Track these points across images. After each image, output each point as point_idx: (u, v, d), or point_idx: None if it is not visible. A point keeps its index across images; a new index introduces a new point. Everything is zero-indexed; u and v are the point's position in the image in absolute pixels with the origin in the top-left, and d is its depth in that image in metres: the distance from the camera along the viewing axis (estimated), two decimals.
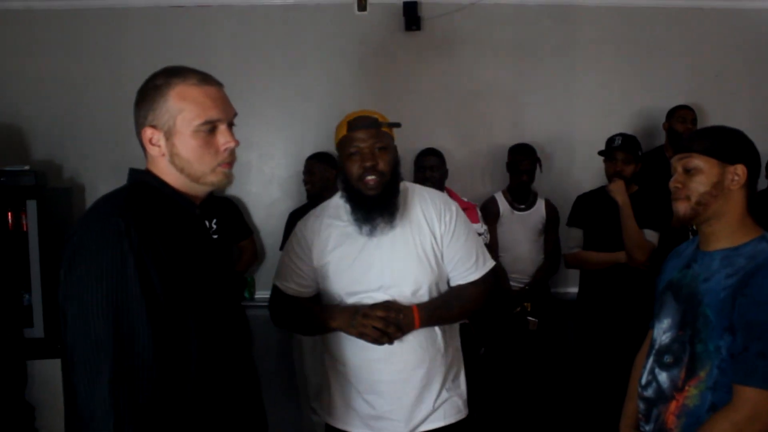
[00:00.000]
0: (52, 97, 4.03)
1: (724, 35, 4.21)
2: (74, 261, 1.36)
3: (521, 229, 3.80)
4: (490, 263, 2.19)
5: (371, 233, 2.03)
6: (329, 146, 3.88)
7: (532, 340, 3.68)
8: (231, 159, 1.53)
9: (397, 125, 2.10)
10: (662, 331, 1.86)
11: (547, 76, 4.15)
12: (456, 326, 2.23)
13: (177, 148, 1.48)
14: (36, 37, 4.08)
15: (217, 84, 1.54)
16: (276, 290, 2.21)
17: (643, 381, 1.89)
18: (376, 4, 4.10)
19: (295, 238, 2.17)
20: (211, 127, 1.49)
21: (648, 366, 1.89)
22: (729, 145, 1.74)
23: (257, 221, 4.13)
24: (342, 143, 2.07)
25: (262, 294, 4.03)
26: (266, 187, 4.16)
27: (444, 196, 2.22)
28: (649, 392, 1.86)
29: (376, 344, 1.99)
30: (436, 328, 2.11)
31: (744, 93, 4.20)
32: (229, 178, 1.55)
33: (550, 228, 3.84)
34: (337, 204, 2.13)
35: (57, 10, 4.06)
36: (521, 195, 3.84)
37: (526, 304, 3.68)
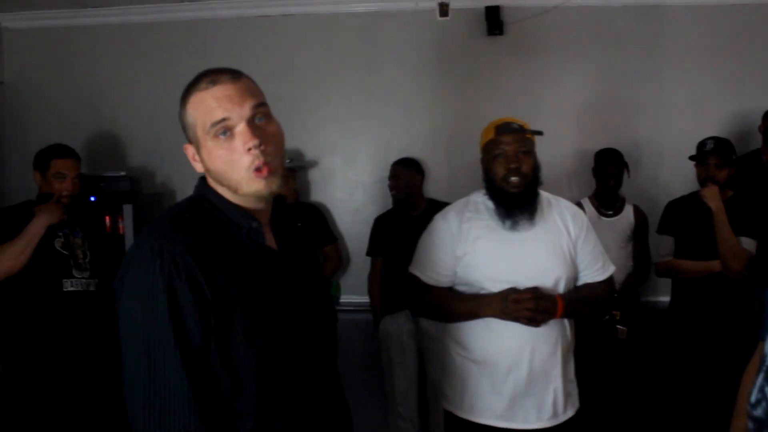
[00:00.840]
0: (146, 106, 4.21)
1: None
2: (121, 281, 1.32)
3: (609, 235, 3.70)
4: (612, 268, 2.38)
5: (513, 228, 2.20)
6: (414, 151, 3.97)
7: (621, 349, 3.61)
8: (261, 162, 1.34)
9: (539, 133, 2.26)
10: None
11: (634, 78, 4.06)
12: (573, 325, 2.33)
13: (206, 161, 1.38)
14: (131, 50, 4.28)
15: (229, 80, 1.37)
16: (415, 279, 2.34)
17: (753, 399, 1.83)
18: (458, 9, 4.10)
19: (436, 230, 2.31)
20: (223, 129, 1.34)
21: (758, 383, 1.83)
22: None
23: (342, 227, 4.19)
24: (488, 146, 2.25)
25: (348, 299, 4.12)
26: (351, 192, 4.22)
27: (571, 203, 2.40)
28: (759, 412, 1.80)
29: (530, 326, 2.13)
30: (566, 321, 2.25)
31: None
32: (268, 186, 1.36)
33: (639, 235, 3.75)
34: (477, 201, 2.31)
35: (150, 23, 4.25)
36: (608, 201, 3.77)
37: (615, 312, 3.60)
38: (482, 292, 2.21)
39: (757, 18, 4.03)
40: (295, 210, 3.77)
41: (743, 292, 3.23)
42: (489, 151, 2.25)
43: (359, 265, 4.09)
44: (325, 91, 4.16)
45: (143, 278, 1.26)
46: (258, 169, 1.33)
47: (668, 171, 4.03)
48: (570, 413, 2.26)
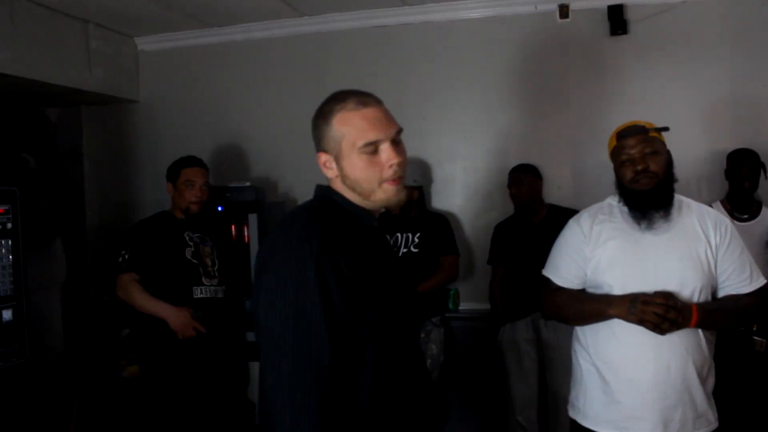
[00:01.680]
0: (269, 119, 4.36)
1: None
2: (263, 269, 1.50)
3: (744, 241, 3.49)
4: (763, 280, 2.21)
5: (649, 227, 2.13)
6: (533, 158, 3.90)
7: (759, 361, 3.39)
8: (397, 175, 1.57)
9: (665, 129, 2.20)
10: None
11: None
12: (714, 337, 2.21)
13: (346, 170, 1.57)
14: (254, 65, 4.45)
15: (375, 104, 1.59)
16: (546, 281, 2.34)
17: None
18: (579, 10, 4.00)
19: (570, 231, 2.30)
20: (373, 148, 1.55)
21: None
22: None
23: (462, 233, 4.15)
24: (614, 153, 2.22)
25: (468, 306, 4.09)
26: (471, 199, 4.18)
27: (716, 211, 2.30)
28: None
29: (655, 332, 2.03)
30: (700, 333, 2.13)
31: None
32: (398, 195, 1.59)
33: None
34: (610, 204, 2.26)
35: (271, 38, 4.41)
36: (743, 204, 3.56)
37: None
38: (620, 294, 2.14)
39: None
40: (419, 220, 3.78)
41: None
42: (616, 159, 2.21)
43: (479, 272, 4.05)
44: (444, 97, 4.16)
45: (293, 260, 1.43)
46: (394, 180, 1.57)
47: None
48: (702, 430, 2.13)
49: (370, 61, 4.21)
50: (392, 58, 4.22)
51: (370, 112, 1.57)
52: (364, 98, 1.59)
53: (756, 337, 3.39)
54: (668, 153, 2.19)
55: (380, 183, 1.57)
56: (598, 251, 2.19)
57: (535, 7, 4.05)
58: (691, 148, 3.82)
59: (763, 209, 3.58)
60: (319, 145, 1.61)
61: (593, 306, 2.18)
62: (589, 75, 4.00)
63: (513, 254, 3.69)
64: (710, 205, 3.53)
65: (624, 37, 3.94)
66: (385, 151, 1.56)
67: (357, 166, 1.56)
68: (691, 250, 2.12)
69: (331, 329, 1.41)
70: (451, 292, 4.01)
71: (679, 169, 3.77)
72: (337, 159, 1.58)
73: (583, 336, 2.25)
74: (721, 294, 2.18)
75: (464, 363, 4.00)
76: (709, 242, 2.14)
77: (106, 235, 4.65)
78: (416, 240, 3.71)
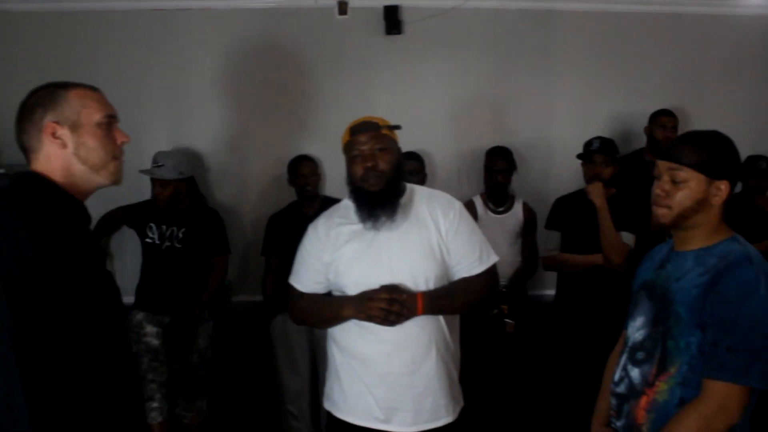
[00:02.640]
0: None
1: (701, 41, 4.25)
2: None
3: (499, 231, 3.80)
4: (494, 258, 2.31)
5: (374, 227, 2.17)
6: (311, 150, 3.93)
7: (509, 342, 3.69)
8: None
9: (397, 127, 2.26)
10: (635, 329, 1.91)
11: (526, 80, 4.17)
12: (457, 322, 2.32)
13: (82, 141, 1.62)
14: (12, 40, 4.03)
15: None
16: (291, 288, 2.37)
17: (616, 377, 1.93)
18: (357, 8, 4.09)
19: (307, 238, 2.33)
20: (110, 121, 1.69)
21: (621, 363, 1.93)
22: (719, 160, 1.77)
23: (239, 225, 4.10)
24: (346, 148, 2.24)
25: (241, 299, 4.07)
26: (245, 191, 4.13)
27: (448, 195, 2.34)
28: (621, 388, 1.89)
29: (384, 325, 2.09)
30: (442, 321, 2.20)
31: (720, 98, 4.25)
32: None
33: (527, 231, 3.86)
34: (346, 205, 2.29)
35: (33, 12, 4.02)
36: (498, 197, 3.86)
37: (503, 306, 3.68)
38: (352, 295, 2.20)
39: (642, 25, 4.21)
40: (188, 214, 3.67)
41: (623, 284, 3.35)
42: (347, 153, 2.23)
43: (253, 264, 4.04)
44: (222, 88, 4.07)
45: None
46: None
47: (557, 169, 4.15)
48: (452, 417, 2.24)
49: (142, 44, 4.00)
50: (170, 44, 4.04)
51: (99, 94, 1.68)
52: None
53: (507, 320, 3.69)
54: (399, 151, 2.25)
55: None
56: (336, 255, 2.22)
57: (315, 2, 4.08)
58: (455, 144, 4.11)
59: (516, 203, 3.90)
60: (45, 117, 1.60)
61: (330, 309, 2.23)
62: (365, 72, 4.10)
63: (286, 246, 3.68)
64: (471, 199, 3.83)
65: (398, 37, 4.08)
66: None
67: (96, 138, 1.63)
68: (423, 241, 2.18)
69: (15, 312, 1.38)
70: (226, 283, 3.95)
71: (442, 165, 4.10)
72: (66, 129, 1.61)
73: (334, 331, 2.28)
74: (455, 278, 2.24)
75: (235, 356, 3.97)
76: (439, 230, 2.20)
77: None
78: (180, 235, 3.61)
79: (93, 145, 1.62)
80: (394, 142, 2.24)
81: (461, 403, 2.32)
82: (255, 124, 4.11)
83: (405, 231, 2.18)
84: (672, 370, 1.75)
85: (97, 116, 1.63)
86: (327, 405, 2.34)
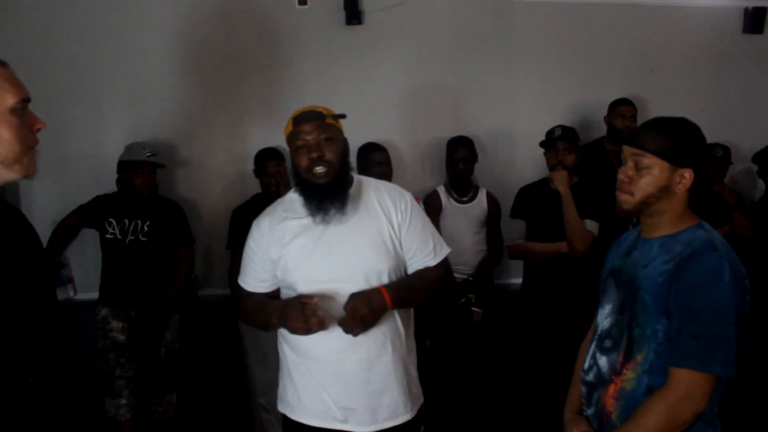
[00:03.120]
0: None
1: (659, 31, 4.32)
2: None
3: (463, 221, 3.82)
4: (447, 249, 2.27)
5: (324, 221, 2.08)
6: (274, 141, 3.87)
7: (476, 330, 3.72)
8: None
9: (342, 116, 2.17)
10: (604, 317, 1.92)
11: (487, 71, 4.18)
12: (412, 313, 2.29)
13: None
14: None
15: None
16: (238, 287, 2.29)
17: (586, 366, 1.94)
18: None
19: (251, 235, 2.23)
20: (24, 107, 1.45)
21: (590, 351, 1.94)
22: (683, 148, 1.76)
23: (200, 219, 4.03)
24: (289, 139, 2.13)
25: (208, 292, 4.03)
26: (209, 186, 4.06)
27: (398, 187, 2.28)
28: (590, 377, 1.91)
29: (307, 334, 1.99)
30: (396, 316, 2.15)
31: (678, 87, 4.32)
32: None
33: (492, 220, 3.88)
34: (292, 199, 2.19)
35: None
36: (461, 187, 3.87)
37: (470, 295, 3.70)
38: (306, 294, 2.07)
39: (601, 15, 4.27)
40: (150, 206, 3.61)
41: (587, 272, 3.41)
42: (291, 144, 2.12)
43: (218, 258, 3.98)
44: (176, 79, 3.96)
45: None
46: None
47: (521, 159, 4.18)
48: (410, 414, 2.19)
49: (96, 30, 3.87)
50: (124, 29, 3.87)
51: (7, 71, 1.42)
52: None
53: (474, 308, 3.71)
54: (345, 141, 2.17)
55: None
56: (284, 251, 2.13)
57: None
58: (415, 135, 4.11)
59: (480, 192, 3.91)
60: None
61: (262, 316, 2.14)
62: (325, 62, 4.06)
63: None
64: (435, 190, 3.83)
65: (359, 27, 4.05)
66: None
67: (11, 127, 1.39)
68: (374, 234, 2.12)
69: None
70: (192, 278, 3.91)
71: (404, 156, 4.09)
72: None
73: (283, 330, 2.13)
74: (410, 271, 2.21)
75: (203, 350, 3.93)
76: (390, 222, 2.14)
77: None
78: (145, 228, 3.55)
79: (7, 137, 1.38)
80: (340, 131, 2.15)
81: (421, 400, 2.27)
82: (214, 117, 4.03)
83: (355, 224, 2.11)
84: (639, 357, 1.76)
85: (10, 101, 1.38)
86: (281, 407, 2.26)
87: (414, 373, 2.25)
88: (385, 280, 2.11)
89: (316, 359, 2.12)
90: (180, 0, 3.96)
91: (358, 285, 2.06)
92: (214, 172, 4.06)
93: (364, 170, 3.61)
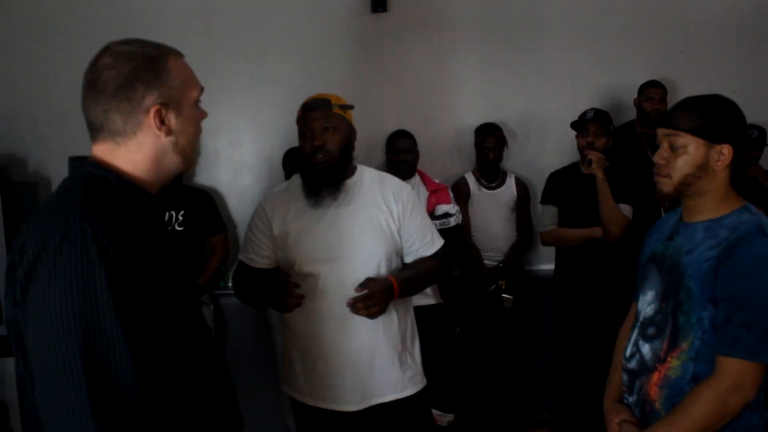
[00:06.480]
0: (10, 89, 3.89)
1: (688, 10, 4.21)
2: (32, 276, 1.15)
3: (492, 207, 3.81)
4: (441, 241, 2.38)
5: (317, 204, 2.18)
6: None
7: (507, 317, 3.71)
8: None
9: (350, 107, 2.24)
10: (646, 304, 1.87)
11: (515, 55, 4.12)
12: (409, 297, 2.34)
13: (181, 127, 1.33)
14: None
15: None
16: (239, 263, 2.38)
17: (627, 353, 1.91)
18: None
19: (256, 211, 2.33)
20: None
21: (632, 338, 1.91)
22: (717, 124, 1.71)
23: (229, 209, 4.05)
24: (298, 122, 2.24)
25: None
26: (236, 174, 4.08)
27: (398, 179, 2.39)
28: (633, 364, 1.87)
29: (359, 314, 2.06)
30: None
31: (708, 68, 4.20)
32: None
33: (521, 205, 3.86)
34: (298, 181, 2.29)
35: None
36: (490, 174, 3.85)
37: (500, 282, 3.69)
38: (303, 271, 2.19)
39: None
40: (181, 196, 3.62)
41: (622, 257, 3.38)
42: (299, 128, 2.23)
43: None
44: (207, 69, 3.95)
45: (74, 266, 1.13)
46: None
47: (550, 144, 4.11)
48: (404, 393, 2.26)
49: (125, 26, 3.86)
50: (153, 21, 3.88)
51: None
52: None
53: (504, 295, 3.70)
54: (350, 131, 2.24)
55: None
56: (284, 230, 2.22)
57: None
58: (442, 122, 4.07)
59: (508, 178, 3.89)
60: (147, 97, 1.28)
61: (260, 292, 2.28)
62: (351, 50, 4.03)
63: None
64: (463, 176, 3.81)
65: (384, 14, 4.01)
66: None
67: (195, 122, 1.35)
68: (373, 220, 2.21)
69: (134, 347, 1.13)
70: (222, 269, 3.92)
71: (432, 143, 4.06)
72: (172, 113, 1.31)
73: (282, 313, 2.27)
74: (408, 259, 2.31)
75: (235, 340, 3.95)
76: (390, 212, 2.23)
77: None
78: (180, 218, 3.57)
79: (192, 132, 1.35)
80: (346, 121, 2.22)
81: (423, 382, 2.33)
82: (244, 107, 4.04)
83: (356, 209, 2.21)
84: (684, 345, 1.72)
85: (195, 93, 1.35)
86: (284, 386, 2.37)
87: (414, 352, 2.32)
88: (381, 263, 2.19)
89: (309, 339, 2.21)
90: None
91: (355, 265, 2.15)
92: (242, 162, 4.08)
93: (389, 156, 3.61)
